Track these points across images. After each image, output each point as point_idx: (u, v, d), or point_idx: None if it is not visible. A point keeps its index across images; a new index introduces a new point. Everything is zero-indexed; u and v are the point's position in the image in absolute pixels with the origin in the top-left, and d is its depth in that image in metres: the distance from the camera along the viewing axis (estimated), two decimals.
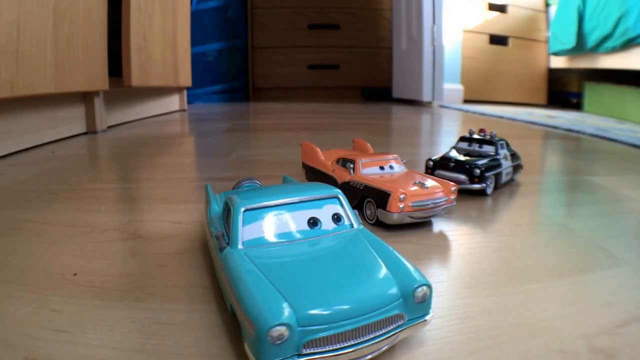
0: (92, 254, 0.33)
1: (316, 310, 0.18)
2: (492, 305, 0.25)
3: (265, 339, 0.17)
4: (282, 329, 0.17)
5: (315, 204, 0.25)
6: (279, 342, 0.17)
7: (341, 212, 0.26)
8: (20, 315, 0.24)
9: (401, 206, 0.36)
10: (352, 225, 0.25)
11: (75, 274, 0.27)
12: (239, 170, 0.63)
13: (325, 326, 0.18)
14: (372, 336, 0.19)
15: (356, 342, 0.18)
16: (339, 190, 0.26)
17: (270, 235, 0.24)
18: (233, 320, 0.23)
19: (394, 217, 0.36)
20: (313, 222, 0.25)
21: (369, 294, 0.19)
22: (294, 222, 0.24)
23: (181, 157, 0.76)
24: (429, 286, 0.20)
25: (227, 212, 0.25)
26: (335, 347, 0.18)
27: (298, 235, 0.24)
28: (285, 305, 0.18)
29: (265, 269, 0.21)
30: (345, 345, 0.18)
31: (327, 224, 0.25)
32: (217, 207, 0.31)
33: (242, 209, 0.24)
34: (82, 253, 0.33)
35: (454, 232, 0.37)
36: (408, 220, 0.37)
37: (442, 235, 0.36)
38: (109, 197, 0.49)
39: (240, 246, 0.23)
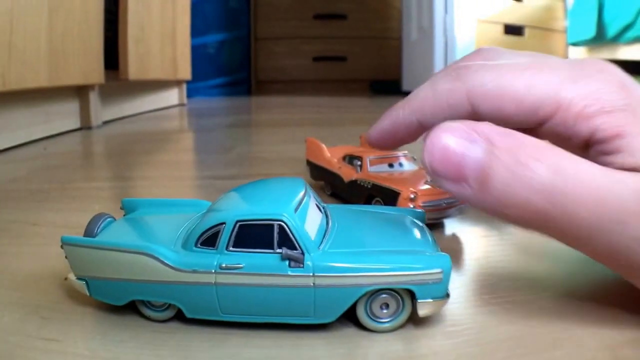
0: None
1: None
2: (511, 313, 0.24)
3: None
4: None
5: None
6: None
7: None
8: (8, 322, 0.22)
9: (411, 206, 0.34)
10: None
11: (66, 279, 0.25)
12: (239, 168, 0.62)
13: None
14: None
15: None
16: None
17: None
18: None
19: None
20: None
21: None
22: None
23: (180, 154, 0.75)
24: None
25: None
26: None
27: None
28: None
29: None
30: None
31: None
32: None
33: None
34: None
35: (468, 234, 0.35)
36: None
37: (455, 238, 0.35)
38: (103, 197, 0.48)
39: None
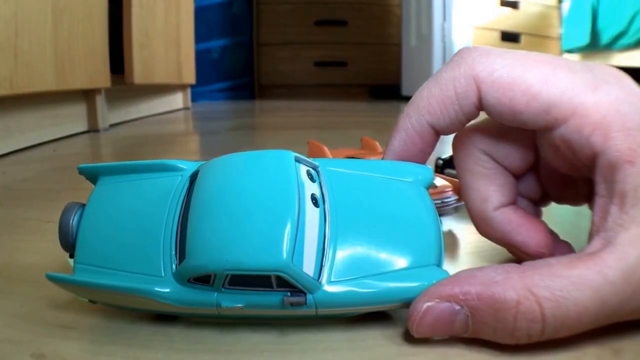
0: None
1: None
2: None
3: None
4: None
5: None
6: None
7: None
8: (27, 311, 0.23)
9: None
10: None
11: None
12: None
13: None
14: None
15: None
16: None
17: None
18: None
19: None
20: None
21: None
22: None
23: (185, 157, 0.74)
24: None
25: None
26: None
27: None
28: None
29: None
30: None
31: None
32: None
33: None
34: None
35: (462, 230, 0.37)
36: None
37: (451, 234, 0.36)
38: None
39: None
